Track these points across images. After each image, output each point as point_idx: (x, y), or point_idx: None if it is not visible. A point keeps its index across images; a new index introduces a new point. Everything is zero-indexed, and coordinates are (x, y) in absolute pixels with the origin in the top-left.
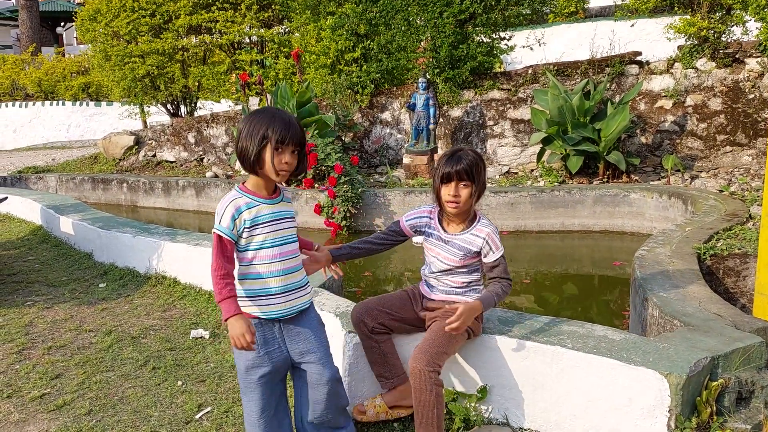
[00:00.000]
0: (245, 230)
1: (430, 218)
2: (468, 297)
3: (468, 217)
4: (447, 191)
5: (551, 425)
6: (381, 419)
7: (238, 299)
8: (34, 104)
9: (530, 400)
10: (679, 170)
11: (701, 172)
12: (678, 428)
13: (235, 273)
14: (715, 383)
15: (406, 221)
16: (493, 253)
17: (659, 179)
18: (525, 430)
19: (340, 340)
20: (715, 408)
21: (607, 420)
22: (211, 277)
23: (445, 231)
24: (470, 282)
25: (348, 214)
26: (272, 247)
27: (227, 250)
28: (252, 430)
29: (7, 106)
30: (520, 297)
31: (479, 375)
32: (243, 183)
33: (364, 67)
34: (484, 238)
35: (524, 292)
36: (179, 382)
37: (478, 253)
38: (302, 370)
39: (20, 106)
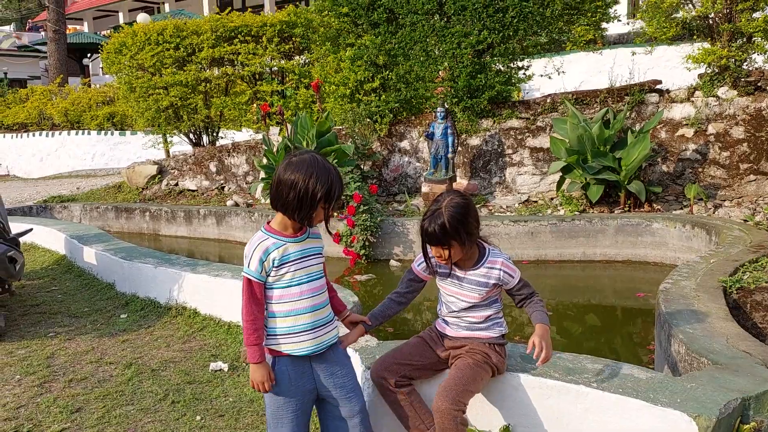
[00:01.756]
0: (273, 269)
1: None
2: (491, 331)
3: (473, 254)
4: (430, 248)
5: None
6: None
7: (269, 337)
8: (60, 133)
9: None
10: (701, 199)
11: (725, 201)
12: None
13: (265, 312)
14: (747, 426)
15: (417, 266)
16: (513, 277)
17: (682, 208)
18: None
19: (358, 377)
20: None
21: None
22: (242, 320)
23: (457, 268)
24: (490, 315)
25: (367, 243)
26: (300, 284)
27: (257, 293)
28: None
29: (34, 135)
30: None
31: (502, 414)
32: (268, 222)
33: (383, 96)
34: (500, 269)
35: None
36: (198, 417)
37: (496, 285)
38: (329, 404)
39: (47, 135)
